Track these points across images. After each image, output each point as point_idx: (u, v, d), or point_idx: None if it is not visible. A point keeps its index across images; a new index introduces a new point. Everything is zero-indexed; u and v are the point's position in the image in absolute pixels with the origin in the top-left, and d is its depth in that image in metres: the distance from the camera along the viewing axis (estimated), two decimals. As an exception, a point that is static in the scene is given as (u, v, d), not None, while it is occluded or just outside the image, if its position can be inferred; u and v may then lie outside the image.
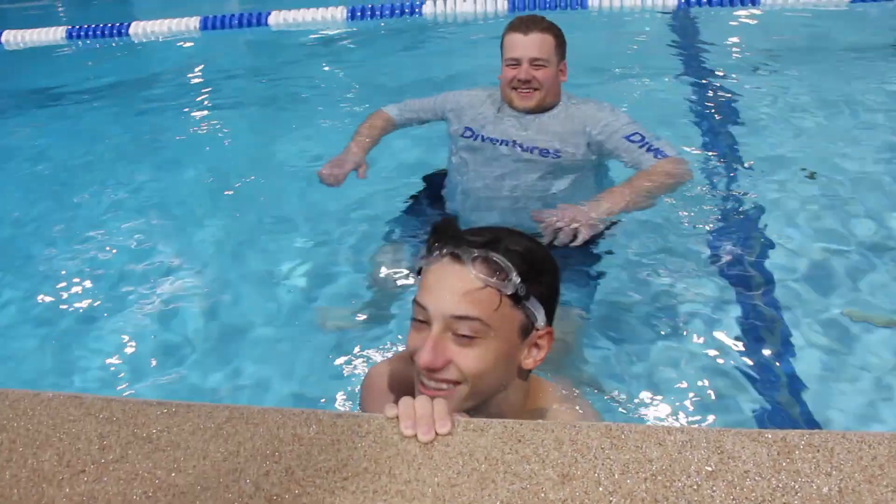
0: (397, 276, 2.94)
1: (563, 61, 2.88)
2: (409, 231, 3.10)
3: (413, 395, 1.44)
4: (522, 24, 2.82)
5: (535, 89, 2.82)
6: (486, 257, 1.37)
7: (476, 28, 6.60)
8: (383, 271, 2.96)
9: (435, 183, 3.22)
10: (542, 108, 2.87)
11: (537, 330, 1.45)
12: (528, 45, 2.78)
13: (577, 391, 1.73)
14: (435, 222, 1.46)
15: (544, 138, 2.86)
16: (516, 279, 1.38)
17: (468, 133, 2.98)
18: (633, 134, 2.77)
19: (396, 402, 1.40)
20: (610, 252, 2.99)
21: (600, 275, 2.92)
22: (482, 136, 2.95)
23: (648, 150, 2.73)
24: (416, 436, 1.22)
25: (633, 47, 6.02)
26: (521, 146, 2.88)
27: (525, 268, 1.39)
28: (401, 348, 2.58)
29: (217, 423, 1.25)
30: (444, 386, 1.39)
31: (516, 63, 2.80)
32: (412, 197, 3.29)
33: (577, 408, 1.61)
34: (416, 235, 3.05)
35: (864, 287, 2.91)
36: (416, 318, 1.42)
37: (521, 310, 1.41)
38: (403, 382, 1.59)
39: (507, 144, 2.90)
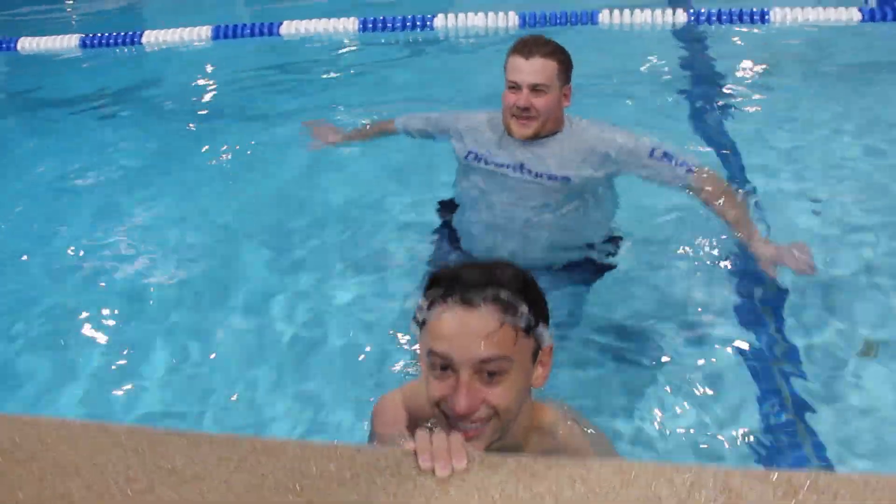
0: None
1: (566, 86, 2.80)
2: None
3: (425, 426, 1.50)
4: (525, 48, 2.75)
5: (533, 118, 2.77)
6: (496, 296, 1.42)
7: (486, 42, 6.64)
8: None
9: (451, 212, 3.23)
10: (541, 135, 2.83)
11: (542, 350, 1.52)
12: (530, 70, 2.71)
13: (567, 406, 1.77)
14: (431, 273, 1.50)
15: (552, 163, 2.83)
16: (526, 311, 1.44)
17: (471, 156, 2.97)
18: (653, 150, 2.79)
19: (409, 431, 1.49)
20: (612, 266, 3.03)
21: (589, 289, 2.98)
22: (486, 160, 2.93)
23: (677, 164, 2.77)
24: (433, 470, 1.26)
25: (643, 63, 6.04)
26: (528, 171, 2.86)
27: (528, 296, 1.47)
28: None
29: (240, 455, 1.29)
30: (478, 424, 1.44)
31: (516, 87, 2.74)
32: (438, 229, 3.30)
33: (577, 423, 1.68)
34: None
35: (876, 314, 2.93)
36: (434, 366, 1.45)
37: (532, 336, 1.48)
38: (414, 413, 1.66)
39: (513, 169, 2.88)
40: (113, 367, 2.97)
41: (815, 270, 2.70)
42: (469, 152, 2.97)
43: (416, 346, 2.66)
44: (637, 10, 6.53)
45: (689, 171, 2.78)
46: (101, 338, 3.18)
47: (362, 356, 2.91)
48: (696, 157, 2.85)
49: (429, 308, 1.46)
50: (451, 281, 1.45)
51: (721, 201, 2.80)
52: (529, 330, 1.46)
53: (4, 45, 7.01)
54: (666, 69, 5.94)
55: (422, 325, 1.48)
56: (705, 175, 2.81)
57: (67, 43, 7.00)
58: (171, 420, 2.64)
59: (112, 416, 2.71)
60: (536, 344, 1.50)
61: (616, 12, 6.51)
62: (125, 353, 3.05)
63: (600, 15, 6.48)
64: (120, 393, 2.81)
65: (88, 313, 3.32)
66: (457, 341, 1.41)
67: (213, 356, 3.01)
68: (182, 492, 1.23)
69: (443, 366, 1.43)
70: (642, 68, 5.96)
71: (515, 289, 1.45)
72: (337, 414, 2.54)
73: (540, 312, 1.50)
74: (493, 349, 1.41)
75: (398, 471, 1.26)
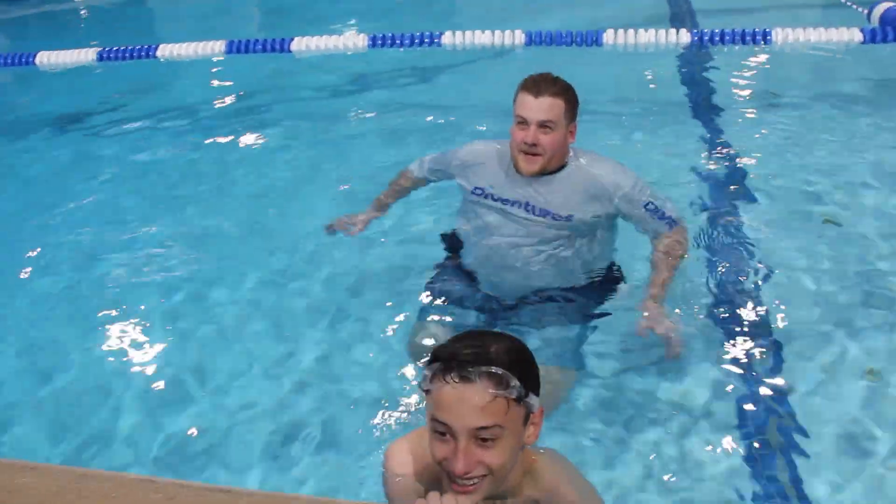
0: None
1: (573, 123, 2.91)
2: (438, 308, 3.19)
3: (431, 472, 1.75)
4: (535, 86, 2.83)
5: (539, 154, 2.87)
6: (490, 372, 1.61)
7: (492, 58, 6.78)
8: (418, 351, 3.08)
9: (455, 243, 3.31)
10: (547, 172, 2.94)
11: (533, 413, 1.71)
12: (538, 108, 2.81)
13: (557, 455, 1.95)
14: (433, 350, 1.69)
15: (557, 202, 2.93)
16: (517, 384, 1.63)
17: (478, 192, 3.06)
18: (648, 203, 2.93)
19: (415, 477, 1.75)
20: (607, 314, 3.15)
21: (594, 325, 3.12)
22: (493, 196, 3.02)
23: (661, 218, 2.94)
24: None
25: (647, 84, 6.18)
26: (532, 209, 2.96)
27: (518, 370, 1.65)
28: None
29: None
30: (475, 481, 1.63)
31: (525, 123, 2.84)
32: (437, 266, 3.36)
33: (566, 471, 1.89)
34: (445, 311, 3.17)
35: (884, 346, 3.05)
36: (436, 430, 1.65)
37: (522, 404, 1.67)
38: (420, 458, 1.85)
39: (518, 206, 2.98)
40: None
41: (677, 348, 2.91)
42: (476, 187, 3.06)
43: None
44: (641, 31, 6.65)
45: (669, 226, 2.96)
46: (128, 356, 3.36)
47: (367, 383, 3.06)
48: (677, 211, 3.00)
49: (431, 381, 1.65)
50: (450, 358, 1.64)
51: (666, 258, 2.96)
52: (520, 399, 1.65)
53: (23, 60, 7.17)
54: (669, 89, 6.06)
55: (426, 392, 1.67)
56: (677, 232, 2.98)
57: (85, 56, 7.16)
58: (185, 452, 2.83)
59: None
60: (527, 409, 1.69)
61: (620, 32, 6.63)
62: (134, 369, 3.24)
63: (605, 35, 6.60)
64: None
65: (103, 334, 3.48)
66: (455, 412, 1.61)
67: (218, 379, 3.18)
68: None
69: (443, 431, 1.63)
70: (645, 88, 6.10)
71: (507, 364, 1.63)
72: (345, 449, 2.71)
73: (530, 382, 1.68)
74: (487, 419, 1.60)
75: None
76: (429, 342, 3.03)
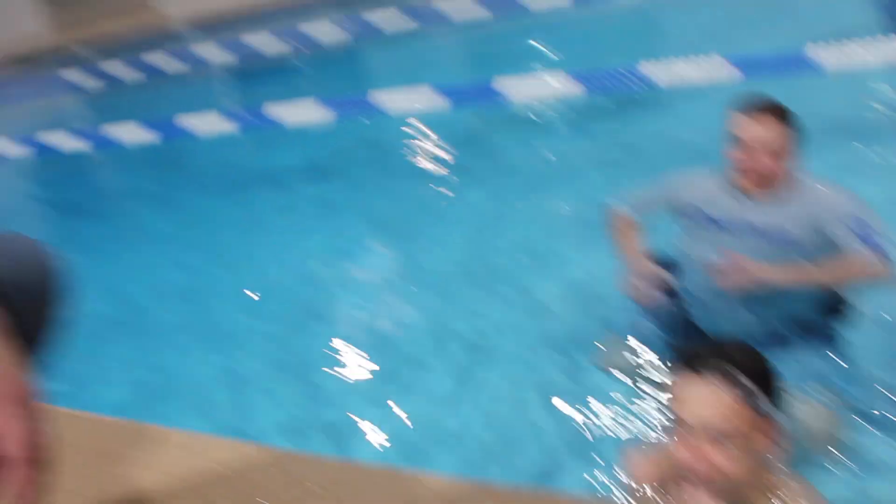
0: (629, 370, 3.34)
1: (796, 147, 2.91)
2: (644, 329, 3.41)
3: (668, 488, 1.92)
4: (757, 110, 2.88)
5: (763, 177, 2.90)
6: (734, 379, 1.77)
7: (704, 96, 6.61)
8: (617, 363, 3.35)
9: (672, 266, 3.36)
10: (770, 196, 2.96)
11: (768, 422, 1.83)
12: (760, 133, 2.85)
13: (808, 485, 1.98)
14: (681, 347, 1.91)
15: (780, 224, 2.93)
16: (758, 392, 1.78)
17: (698, 215, 3.11)
18: (866, 231, 2.83)
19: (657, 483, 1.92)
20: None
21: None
22: (714, 220, 3.05)
23: (867, 241, 2.80)
24: None
25: (866, 105, 5.86)
26: (756, 231, 2.97)
27: (760, 379, 1.80)
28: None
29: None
30: (708, 483, 1.78)
31: (746, 148, 2.88)
32: None
33: (807, 492, 1.91)
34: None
35: None
36: (677, 426, 1.80)
37: (762, 414, 1.80)
38: (662, 476, 2.00)
39: (741, 229, 3.00)
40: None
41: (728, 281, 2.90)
42: (696, 211, 3.12)
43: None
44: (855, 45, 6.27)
45: (877, 254, 2.79)
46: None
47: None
48: (892, 248, 2.86)
49: (676, 377, 1.83)
50: (697, 357, 1.81)
51: (854, 264, 2.82)
52: (754, 406, 1.77)
53: (259, 121, 7.83)
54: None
55: (670, 390, 1.85)
56: (883, 263, 2.80)
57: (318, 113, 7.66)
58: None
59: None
60: (767, 420, 1.81)
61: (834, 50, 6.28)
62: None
63: (814, 54, 6.27)
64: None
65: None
66: (696, 410, 1.76)
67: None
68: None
69: (684, 428, 1.79)
70: (865, 109, 5.79)
71: (751, 371, 1.78)
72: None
73: (771, 393, 1.81)
74: (725, 422, 1.75)
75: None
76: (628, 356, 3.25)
